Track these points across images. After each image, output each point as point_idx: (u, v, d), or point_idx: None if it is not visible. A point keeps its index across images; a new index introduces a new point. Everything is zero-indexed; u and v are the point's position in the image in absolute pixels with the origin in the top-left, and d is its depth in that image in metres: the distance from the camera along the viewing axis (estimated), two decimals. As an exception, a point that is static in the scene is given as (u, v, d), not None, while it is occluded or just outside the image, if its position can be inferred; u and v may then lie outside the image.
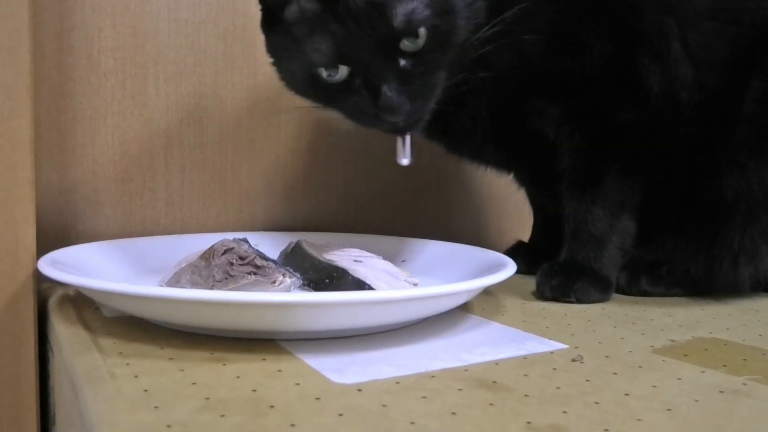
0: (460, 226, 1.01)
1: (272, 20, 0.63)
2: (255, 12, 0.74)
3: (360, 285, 0.58)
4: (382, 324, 0.50)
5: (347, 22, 0.56)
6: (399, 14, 0.56)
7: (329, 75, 0.59)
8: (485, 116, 0.70)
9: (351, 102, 0.61)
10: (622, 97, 0.67)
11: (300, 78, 0.63)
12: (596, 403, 0.38)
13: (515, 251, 0.83)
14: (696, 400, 0.39)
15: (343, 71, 0.59)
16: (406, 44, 0.57)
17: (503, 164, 0.82)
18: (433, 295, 0.50)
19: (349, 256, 0.67)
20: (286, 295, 0.48)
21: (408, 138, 0.67)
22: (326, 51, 0.58)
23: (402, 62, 0.58)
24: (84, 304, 0.59)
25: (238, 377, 0.40)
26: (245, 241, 0.62)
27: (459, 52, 0.62)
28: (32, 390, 0.60)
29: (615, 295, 0.69)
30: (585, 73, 0.67)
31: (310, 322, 0.46)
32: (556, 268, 0.68)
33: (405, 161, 0.68)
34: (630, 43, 0.66)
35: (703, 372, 0.45)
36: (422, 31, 0.57)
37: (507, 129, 0.72)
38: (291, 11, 0.60)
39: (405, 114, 0.58)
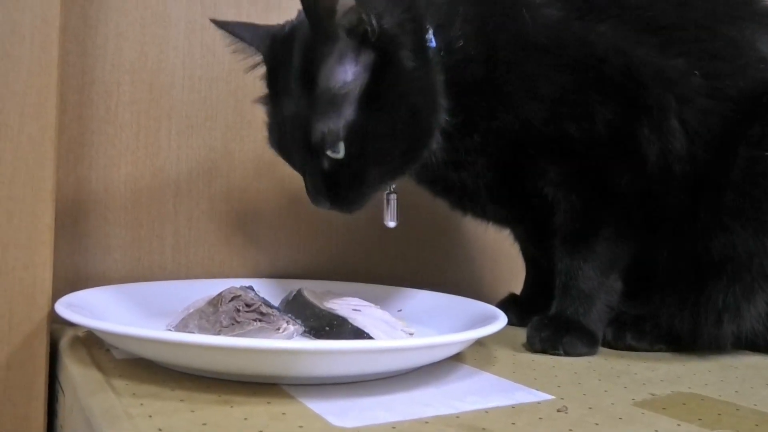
0: (455, 276, 1.04)
1: None
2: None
3: (359, 334, 0.61)
4: (380, 371, 0.53)
5: (282, 127, 0.65)
6: (317, 131, 0.62)
7: None
8: (487, 175, 0.74)
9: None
10: (621, 164, 0.71)
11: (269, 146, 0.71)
12: (577, 451, 0.41)
13: (507, 303, 0.86)
14: (670, 451, 0.42)
15: None
16: (329, 152, 0.63)
17: (504, 221, 0.85)
18: (427, 346, 0.53)
19: (348, 305, 0.70)
20: (291, 342, 0.51)
21: (393, 202, 0.74)
22: (272, 139, 0.68)
23: (326, 165, 0.64)
24: (95, 346, 0.62)
25: (245, 419, 0.43)
26: (251, 288, 0.66)
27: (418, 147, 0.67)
28: (41, 428, 0.62)
29: (601, 349, 0.72)
30: (587, 139, 0.70)
31: (312, 369, 0.49)
32: (546, 321, 0.71)
33: (391, 224, 0.74)
34: (633, 115, 0.70)
35: (678, 425, 0.48)
36: (341, 145, 0.62)
37: (508, 187, 0.76)
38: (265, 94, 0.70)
39: (329, 207, 0.66)
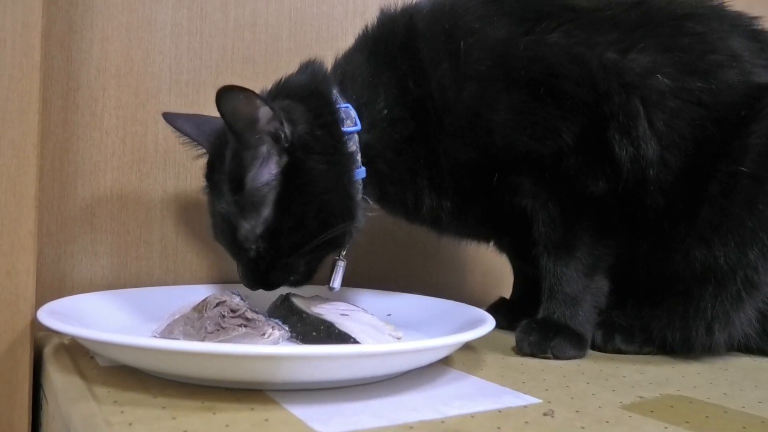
0: (445, 280, 1.04)
1: None
2: (252, 78, 0.80)
3: (345, 338, 0.61)
4: (365, 376, 0.53)
5: (215, 221, 0.71)
6: (242, 228, 0.68)
7: None
8: (446, 206, 0.75)
9: None
10: (596, 170, 0.70)
11: None
12: (562, 455, 0.41)
13: (497, 307, 0.86)
14: (656, 454, 0.42)
15: None
16: (252, 246, 0.69)
17: (483, 238, 0.85)
18: (413, 350, 0.53)
19: (336, 310, 0.70)
20: (274, 348, 0.50)
21: (339, 268, 0.77)
22: (209, 229, 0.74)
23: (251, 254, 0.69)
24: (79, 353, 0.61)
25: (227, 425, 0.43)
26: (237, 294, 0.65)
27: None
28: (24, 436, 0.62)
29: (590, 352, 0.72)
30: (556, 152, 0.70)
31: (296, 374, 0.49)
32: (534, 325, 0.71)
33: (334, 288, 0.78)
34: (600, 124, 0.69)
35: (666, 428, 0.48)
36: (258, 241, 0.68)
37: (475, 210, 0.76)
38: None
39: (258, 288, 0.71)
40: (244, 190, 0.67)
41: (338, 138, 0.70)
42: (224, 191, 0.69)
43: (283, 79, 0.75)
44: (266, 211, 0.68)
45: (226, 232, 0.70)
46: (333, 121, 0.71)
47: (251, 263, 0.70)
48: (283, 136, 0.67)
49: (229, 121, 0.64)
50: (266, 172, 0.67)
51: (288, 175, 0.68)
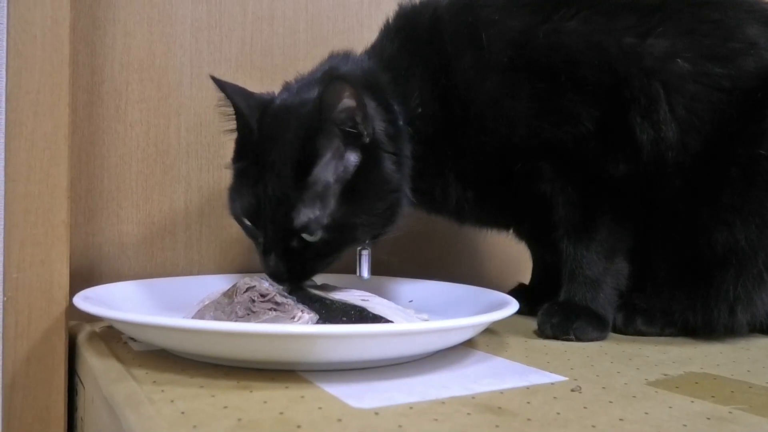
0: (463, 268, 1.05)
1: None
2: (271, 70, 0.80)
3: (380, 321, 0.62)
4: (400, 355, 0.54)
5: (261, 201, 0.65)
6: (303, 216, 0.64)
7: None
8: (467, 196, 0.76)
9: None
10: (616, 153, 0.71)
11: (230, 210, 0.71)
12: (593, 426, 0.42)
13: (516, 293, 0.86)
14: (684, 425, 0.43)
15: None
16: (305, 236, 0.65)
17: (502, 225, 0.86)
18: (448, 328, 0.54)
19: (354, 296, 0.71)
20: (312, 326, 0.51)
21: (366, 257, 0.77)
22: (243, 208, 0.68)
23: (294, 243, 0.66)
24: (112, 340, 0.63)
25: (265, 402, 0.44)
26: (266, 279, 0.66)
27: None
28: (61, 420, 0.64)
29: (612, 334, 0.72)
30: (576, 137, 0.70)
31: (332, 353, 0.50)
32: (556, 307, 0.72)
33: (365, 276, 0.77)
34: (621, 108, 0.69)
35: (692, 402, 0.48)
36: (318, 232, 0.65)
37: (496, 198, 0.77)
38: (240, 161, 0.70)
39: (284, 280, 0.66)
40: (309, 176, 0.64)
41: (401, 136, 0.70)
42: (282, 173, 0.64)
43: (331, 69, 0.73)
44: (333, 202, 0.64)
45: (278, 216, 0.64)
46: (396, 118, 0.70)
47: (292, 253, 0.66)
48: (365, 132, 0.65)
49: (324, 107, 0.62)
50: (340, 164, 0.65)
51: (363, 171, 0.66)
